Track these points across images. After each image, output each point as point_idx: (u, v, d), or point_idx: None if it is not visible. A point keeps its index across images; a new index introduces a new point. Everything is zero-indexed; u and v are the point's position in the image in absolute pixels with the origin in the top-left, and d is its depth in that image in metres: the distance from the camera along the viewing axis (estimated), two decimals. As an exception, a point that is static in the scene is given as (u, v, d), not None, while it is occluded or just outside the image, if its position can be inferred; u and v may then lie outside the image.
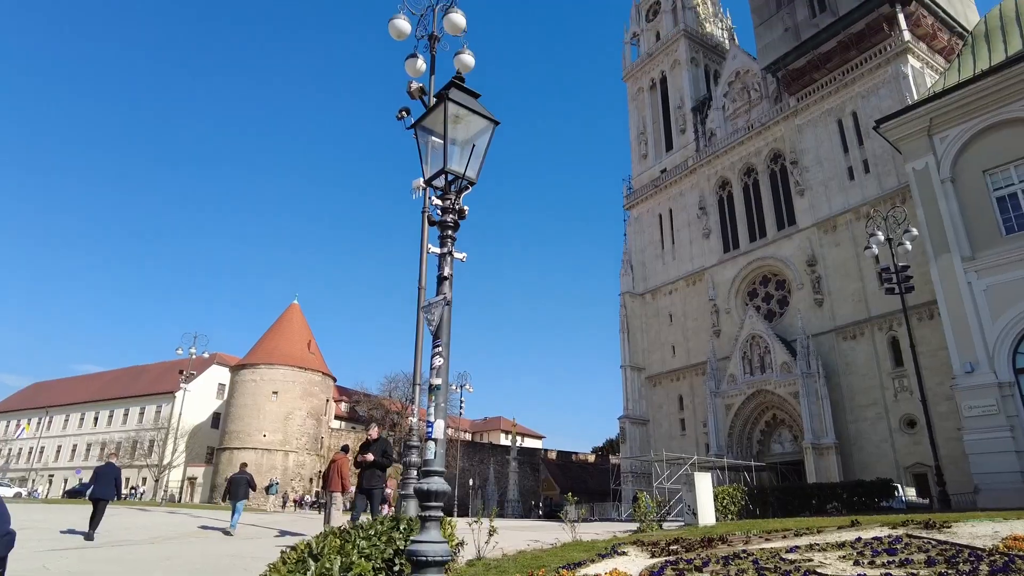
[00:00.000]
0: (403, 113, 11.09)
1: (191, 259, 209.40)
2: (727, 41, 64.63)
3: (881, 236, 24.83)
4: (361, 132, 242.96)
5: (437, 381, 4.35)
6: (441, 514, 4.14)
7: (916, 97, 37.38)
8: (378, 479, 13.31)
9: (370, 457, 13.06)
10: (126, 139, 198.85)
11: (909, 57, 42.95)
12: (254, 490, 18.33)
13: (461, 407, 50.82)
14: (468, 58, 10.63)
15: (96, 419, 78.24)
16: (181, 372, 44.47)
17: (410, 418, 13.98)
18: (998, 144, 23.95)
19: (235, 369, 65.14)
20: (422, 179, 5.31)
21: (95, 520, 13.44)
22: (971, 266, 23.87)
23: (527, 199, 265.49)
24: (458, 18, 11.16)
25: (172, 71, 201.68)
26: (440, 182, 4.69)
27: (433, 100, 5.17)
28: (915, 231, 24.68)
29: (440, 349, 4.37)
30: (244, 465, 21.62)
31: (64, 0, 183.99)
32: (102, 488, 14.01)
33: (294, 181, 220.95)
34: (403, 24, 11.49)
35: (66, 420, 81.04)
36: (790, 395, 43.17)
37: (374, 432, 13.83)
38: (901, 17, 43.42)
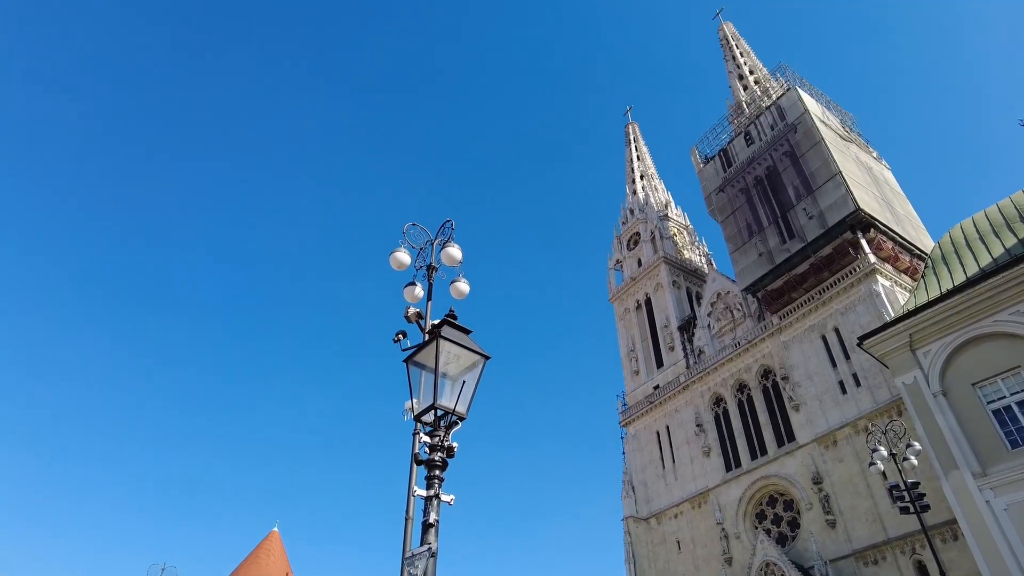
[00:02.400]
0: (399, 336, 11.39)
1: (163, 476, 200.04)
2: (705, 265, 69.01)
3: (884, 451, 24.21)
4: (356, 352, 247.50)
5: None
6: None
7: (892, 313, 38.99)
8: None
9: None
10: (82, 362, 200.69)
11: (878, 277, 45.59)
12: None
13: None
14: (463, 286, 11.18)
15: None
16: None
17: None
18: (981, 357, 24.49)
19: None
20: (412, 401, 5.22)
21: None
22: (984, 483, 23.00)
23: (513, 424, 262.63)
24: (455, 251, 11.96)
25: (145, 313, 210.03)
26: (430, 417, 4.63)
27: (430, 326, 5.26)
28: (918, 445, 24.13)
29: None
30: None
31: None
32: None
33: (285, 386, 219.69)
34: (403, 257, 12.30)
35: None
36: (818, 633, 38.85)
37: None
38: (864, 242, 46.93)
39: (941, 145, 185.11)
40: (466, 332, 4.92)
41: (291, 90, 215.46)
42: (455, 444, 4.61)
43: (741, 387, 52.91)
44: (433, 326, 4.89)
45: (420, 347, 4.96)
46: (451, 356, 4.72)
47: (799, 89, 57.74)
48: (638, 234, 72.63)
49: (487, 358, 4.85)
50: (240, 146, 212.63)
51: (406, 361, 5.03)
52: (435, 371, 4.67)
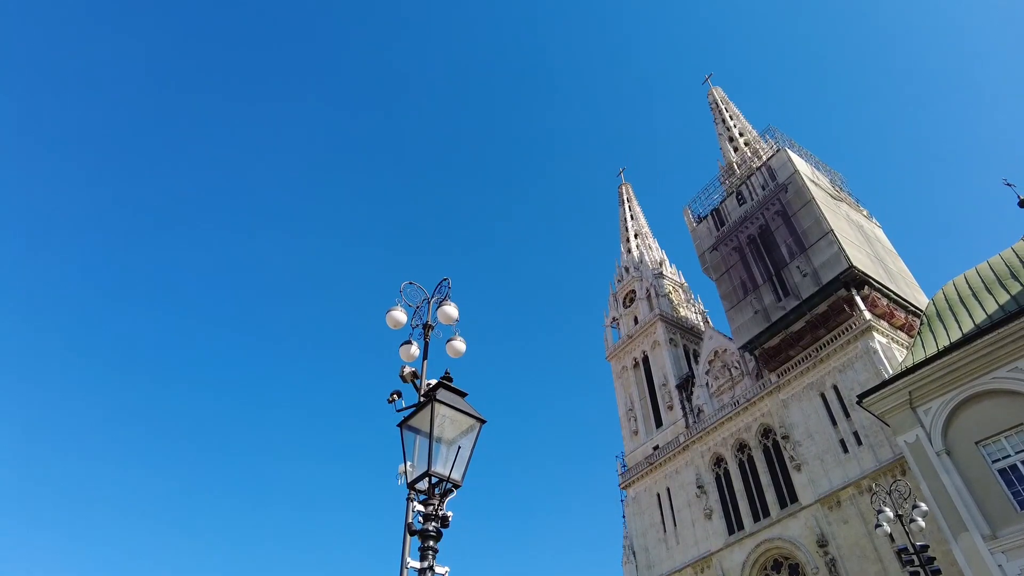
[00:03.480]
0: (394, 396, 11.21)
1: (157, 556, 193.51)
2: (702, 323, 69.02)
3: (890, 512, 23.65)
4: (349, 413, 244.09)
5: None
6: None
7: (890, 370, 38.81)
8: None
9: None
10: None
11: (874, 334, 45.58)
12: None
13: None
14: (459, 344, 11.09)
15: None
16: None
17: None
18: (982, 415, 24.23)
19: None
20: (406, 464, 5.08)
21: None
22: (995, 546, 22.40)
23: (509, 486, 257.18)
24: (451, 310, 11.90)
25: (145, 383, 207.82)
26: (424, 485, 4.49)
27: (425, 385, 5.17)
28: (924, 506, 23.60)
29: None
30: None
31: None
32: None
33: (274, 449, 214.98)
34: (399, 315, 12.24)
35: None
36: None
37: None
38: (858, 300, 47.13)
39: (929, 204, 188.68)
40: (462, 395, 4.83)
41: (285, 158, 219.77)
42: (450, 513, 4.46)
43: (741, 447, 52.11)
44: (428, 389, 4.80)
45: (414, 411, 4.86)
46: (446, 420, 4.63)
47: (788, 150, 59.12)
48: (634, 292, 72.92)
49: (483, 422, 4.75)
50: (231, 207, 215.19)
51: (400, 425, 4.92)
52: (430, 436, 4.56)
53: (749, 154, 68.60)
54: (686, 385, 61.03)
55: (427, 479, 4.53)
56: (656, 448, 59.71)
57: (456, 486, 4.51)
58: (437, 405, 4.57)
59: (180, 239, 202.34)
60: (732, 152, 71.44)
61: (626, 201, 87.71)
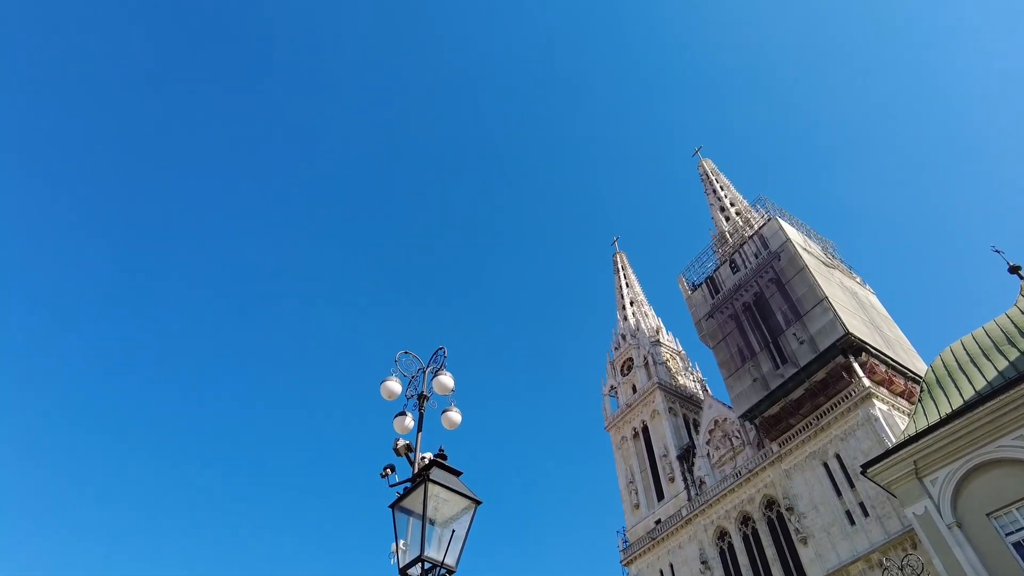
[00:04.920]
0: (387, 471, 10.86)
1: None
2: (700, 392, 68.32)
3: (904, 590, 22.76)
4: (340, 488, 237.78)
5: None
6: None
7: (893, 438, 38.17)
8: None
9: None
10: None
11: (875, 401, 45.09)
12: None
13: None
14: (455, 416, 10.83)
15: None
16: None
17: None
18: (991, 485, 23.63)
19: None
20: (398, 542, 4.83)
21: None
22: (1014, 625, 21.40)
23: (506, 566, 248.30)
24: (447, 380, 11.68)
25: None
26: (416, 571, 4.26)
27: (419, 460, 4.99)
28: (938, 583, 22.74)
29: None
30: None
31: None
32: None
33: (263, 527, 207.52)
34: (394, 386, 12.00)
35: None
36: None
37: None
38: (857, 367, 46.85)
39: (920, 270, 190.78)
40: (456, 474, 4.67)
41: (282, 230, 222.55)
42: (444, 603, 4.22)
43: (745, 519, 50.62)
44: (421, 467, 4.63)
45: (407, 491, 4.68)
46: (440, 501, 4.44)
47: (779, 219, 60.13)
48: (631, 359, 72.48)
49: (478, 503, 4.56)
50: (220, 279, 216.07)
51: (392, 506, 4.72)
52: (423, 518, 4.37)
53: (741, 223, 69.72)
54: (687, 456, 59.86)
55: (420, 564, 4.30)
56: (658, 522, 57.97)
57: (450, 572, 4.29)
58: (430, 485, 4.40)
59: (178, 319, 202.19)
60: (724, 221, 72.61)
61: (621, 269, 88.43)
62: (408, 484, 5.48)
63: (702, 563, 51.39)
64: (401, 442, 12.01)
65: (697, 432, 60.35)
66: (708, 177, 79.25)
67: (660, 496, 60.20)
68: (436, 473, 4.52)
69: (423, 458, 6.34)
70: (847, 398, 46.52)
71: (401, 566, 4.49)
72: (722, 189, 76.96)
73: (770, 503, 49.45)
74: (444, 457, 4.71)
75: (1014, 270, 31.18)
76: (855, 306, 53.54)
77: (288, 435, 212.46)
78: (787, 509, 47.21)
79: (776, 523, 48.40)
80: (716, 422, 58.27)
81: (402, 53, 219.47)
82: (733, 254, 63.10)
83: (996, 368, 27.54)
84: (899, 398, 47.43)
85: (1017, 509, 22.79)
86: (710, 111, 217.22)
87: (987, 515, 23.33)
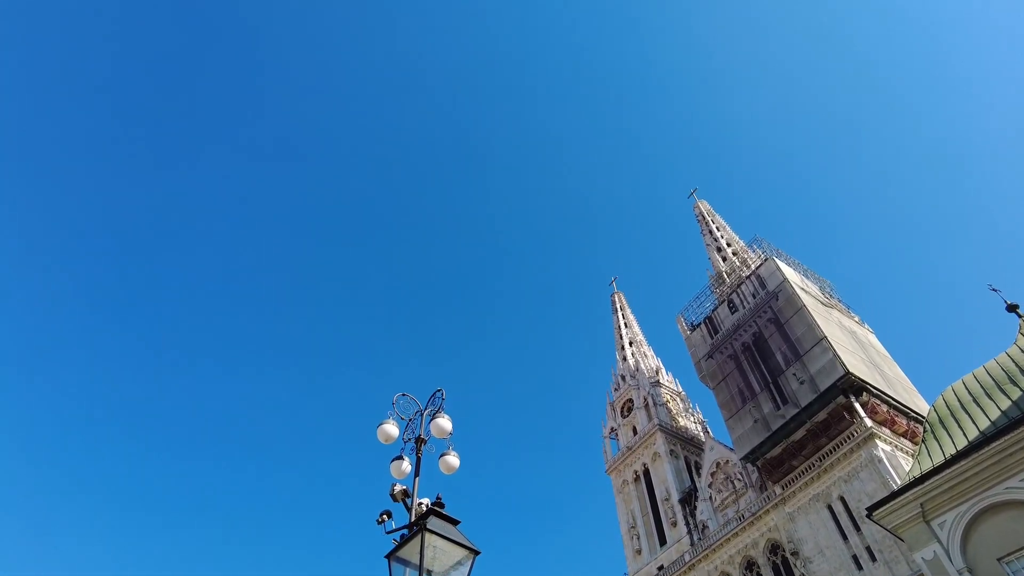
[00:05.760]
0: (383, 517, 10.57)
1: None
2: (701, 433, 67.51)
3: (915, 640, 22.07)
4: (334, 535, 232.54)
5: None
6: None
7: (897, 479, 37.58)
8: None
9: None
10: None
11: (877, 441, 44.52)
12: None
13: None
14: (453, 460, 10.61)
15: None
16: None
17: None
18: (1000, 529, 23.14)
19: None
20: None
21: None
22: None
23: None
24: (445, 423, 11.48)
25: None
26: (413, 627, 4.09)
27: (416, 507, 4.84)
28: (951, 632, 22.06)
29: None
30: None
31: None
32: None
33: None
34: (391, 429, 11.78)
35: None
36: None
37: None
38: (858, 406, 46.40)
39: (918, 309, 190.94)
40: (454, 522, 4.52)
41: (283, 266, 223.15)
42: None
43: (750, 564, 49.44)
44: (418, 516, 4.49)
45: (403, 541, 4.52)
46: (438, 551, 4.29)
47: (776, 259, 60.36)
48: (631, 401, 71.82)
49: (477, 553, 4.40)
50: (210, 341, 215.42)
51: (388, 556, 4.56)
52: (420, 568, 4.21)
53: (738, 263, 69.97)
54: (689, 499, 58.81)
55: (416, 620, 4.13)
56: (661, 568, 56.62)
57: (448, 627, 4.11)
58: (428, 535, 4.25)
59: (172, 368, 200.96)
60: (720, 261, 72.89)
61: (619, 309, 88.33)
62: (405, 531, 5.31)
63: (707, 611, 50.01)
64: (398, 487, 11.73)
65: (699, 474, 59.41)
66: (704, 218, 79.87)
67: (662, 541, 58.93)
68: (433, 522, 4.38)
69: (420, 503, 6.17)
70: (849, 439, 45.95)
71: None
72: (718, 230, 77.48)
73: (774, 547, 48.38)
74: (441, 505, 4.57)
75: (1012, 308, 31.19)
76: (854, 345, 53.34)
77: (281, 484, 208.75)
78: (792, 554, 46.18)
79: (782, 568, 47.27)
80: (718, 464, 57.43)
81: (397, 121, 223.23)
82: (731, 294, 63.13)
83: (999, 407, 27.30)
84: (902, 438, 46.85)
85: (1028, 553, 22.27)
86: (706, 153, 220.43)
87: (998, 560, 22.81)
